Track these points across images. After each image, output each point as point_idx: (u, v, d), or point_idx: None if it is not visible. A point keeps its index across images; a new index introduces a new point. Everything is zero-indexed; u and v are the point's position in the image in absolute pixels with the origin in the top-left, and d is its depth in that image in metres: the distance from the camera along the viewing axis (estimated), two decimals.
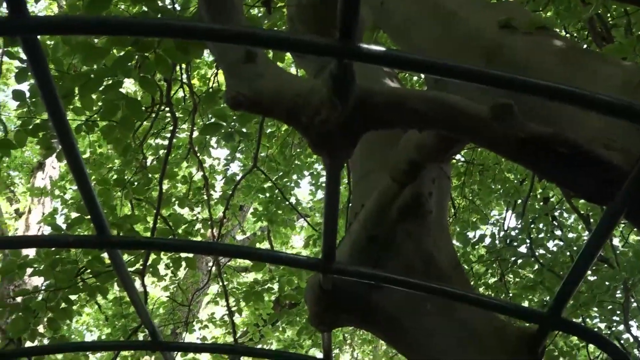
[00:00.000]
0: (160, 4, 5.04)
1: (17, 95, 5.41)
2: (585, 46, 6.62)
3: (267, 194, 9.27)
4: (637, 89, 2.14)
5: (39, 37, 0.78)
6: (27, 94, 5.40)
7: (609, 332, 7.38)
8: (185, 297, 9.69)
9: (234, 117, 6.39)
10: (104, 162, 8.94)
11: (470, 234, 8.75)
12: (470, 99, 1.97)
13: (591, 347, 7.97)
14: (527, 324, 2.91)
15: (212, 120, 6.21)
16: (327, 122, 1.84)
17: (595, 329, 7.06)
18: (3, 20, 0.75)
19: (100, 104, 5.32)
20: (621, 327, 7.32)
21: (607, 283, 6.93)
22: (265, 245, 10.32)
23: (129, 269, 4.97)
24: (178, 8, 5.52)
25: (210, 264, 10.79)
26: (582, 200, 7.69)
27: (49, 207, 12.12)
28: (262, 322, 9.99)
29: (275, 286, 9.25)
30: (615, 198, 1.93)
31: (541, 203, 8.36)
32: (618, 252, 7.66)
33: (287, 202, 9.25)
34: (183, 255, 7.08)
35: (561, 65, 2.45)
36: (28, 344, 6.36)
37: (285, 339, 10.89)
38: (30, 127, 5.57)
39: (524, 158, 2.06)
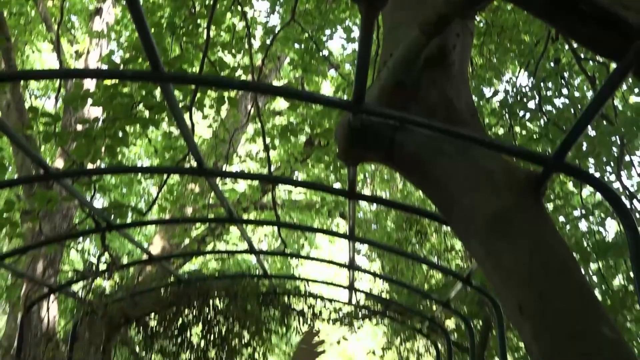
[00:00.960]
0: None
1: None
2: None
3: (303, 45, 9.15)
4: None
5: None
6: None
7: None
8: (227, 133, 9.79)
9: None
10: (155, 10, 8.82)
11: (485, 90, 8.68)
12: None
13: (583, 194, 8.05)
14: (533, 169, 2.94)
15: None
16: None
17: None
18: None
19: None
20: (612, 177, 7.37)
21: (608, 139, 6.92)
22: None
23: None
24: None
25: (249, 106, 10.84)
26: (590, 63, 7.55)
27: (105, 49, 12.10)
28: (294, 159, 10.11)
29: (307, 129, 9.32)
30: (627, 53, 1.90)
31: (552, 64, 8.20)
32: (618, 112, 7.61)
33: (320, 53, 9.15)
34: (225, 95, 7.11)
35: None
36: (89, 166, 6.54)
37: (313, 175, 11.06)
38: None
39: (547, 14, 2.01)
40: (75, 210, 10.13)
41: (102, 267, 7.02)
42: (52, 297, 9.05)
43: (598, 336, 2.66)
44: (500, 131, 8.25)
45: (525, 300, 2.82)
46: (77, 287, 7.73)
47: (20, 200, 9.15)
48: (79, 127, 8.89)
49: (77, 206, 9.87)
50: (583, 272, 3.01)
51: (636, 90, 7.37)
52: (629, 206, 7.02)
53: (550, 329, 2.75)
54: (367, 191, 10.99)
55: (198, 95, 6.68)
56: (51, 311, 9.34)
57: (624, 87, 7.71)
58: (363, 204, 11.83)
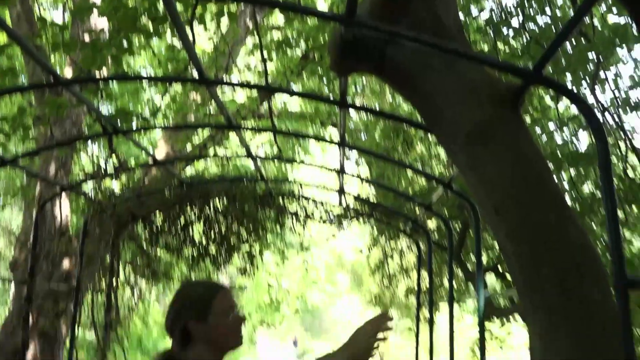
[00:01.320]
0: None
1: None
2: None
3: None
4: None
5: None
6: None
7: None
8: (227, 46, 9.65)
9: None
10: None
11: (472, 8, 8.52)
12: None
13: (560, 108, 8.05)
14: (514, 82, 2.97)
15: None
16: None
17: None
18: None
19: None
20: (588, 92, 7.35)
21: (585, 56, 6.85)
22: None
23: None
24: None
25: (248, 20, 10.66)
26: None
27: None
28: (290, 71, 10.00)
29: (303, 44, 9.19)
30: None
31: None
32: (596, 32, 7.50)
33: None
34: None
35: None
36: (96, 75, 6.49)
37: (307, 87, 10.99)
38: None
39: None
40: (84, 117, 10.09)
41: (110, 169, 7.09)
42: (64, 195, 9.16)
43: (570, 245, 2.79)
44: (485, 48, 8.16)
45: (503, 207, 2.93)
46: (87, 188, 7.81)
47: (32, 106, 9.12)
48: (87, 38, 8.76)
49: (85, 113, 9.84)
50: (556, 181, 3.07)
51: (614, 10, 7.24)
52: (600, 119, 7.05)
53: (530, 241, 2.87)
54: (358, 102, 10.96)
55: (199, 8, 6.54)
56: (63, 209, 9.46)
57: (604, 7, 7.58)
58: (354, 115, 11.84)
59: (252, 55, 11.66)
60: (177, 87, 10.62)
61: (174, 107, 10.53)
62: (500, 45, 8.00)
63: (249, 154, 6.61)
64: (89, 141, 12.40)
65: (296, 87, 10.36)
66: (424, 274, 8.06)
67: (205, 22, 7.56)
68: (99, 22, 9.09)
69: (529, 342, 2.93)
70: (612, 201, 2.63)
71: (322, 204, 8.64)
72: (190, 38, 6.31)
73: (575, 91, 5.86)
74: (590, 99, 7.16)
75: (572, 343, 2.67)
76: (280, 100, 11.81)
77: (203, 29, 8.54)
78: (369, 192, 9.91)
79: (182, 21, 5.54)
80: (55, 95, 8.08)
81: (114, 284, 7.95)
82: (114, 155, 6.67)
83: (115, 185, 8.11)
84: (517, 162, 2.97)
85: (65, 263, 9.44)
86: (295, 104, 11.92)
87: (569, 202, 7.13)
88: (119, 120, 6.19)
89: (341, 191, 7.74)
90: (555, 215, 2.86)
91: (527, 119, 7.71)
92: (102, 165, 7.36)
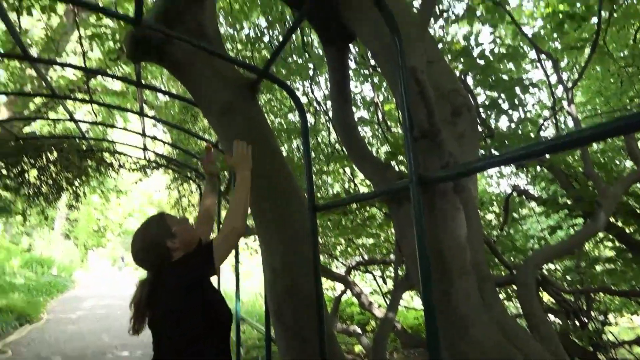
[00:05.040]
0: None
1: None
2: None
3: None
4: None
5: None
6: None
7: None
8: (56, 33, 8.87)
9: None
10: None
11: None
12: None
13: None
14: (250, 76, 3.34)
15: None
16: None
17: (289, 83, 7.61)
18: None
19: None
20: (309, 90, 7.77)
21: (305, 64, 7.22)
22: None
23: None
24: None
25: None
26: None
27: None
28: (109, 59, 9.43)
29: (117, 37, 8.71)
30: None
31: None
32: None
33: None
34: None
35: None
36: None
37: (123, 72, 10.45)
38: None
39: None
40: None
41: None
42: None
43: (282, 183, 3.07)
44: (249, 53, 8.32)
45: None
46: None
47: None
48: None
49: None
50: (277, 143, 3.33)
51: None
52: (317, 107, 7.70)
53: (257, 182, 2.98)
54: (156, 83, 10.67)
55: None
56: None
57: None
58: (162, 96, 11.52)
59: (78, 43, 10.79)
60: (16, 63, 9.61)
61: (12, 79, 9.53)
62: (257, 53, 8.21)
63: (71, 118, 6.35)
64: None
65: (113, 71, 9.84)
66: None
67: (32, 13, 6.93)
68: None
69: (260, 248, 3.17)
70: (308, 155, 2.99)
71: (131, 157, 8.49)
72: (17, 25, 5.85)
73: (292, 87, 6.28)
74: (311, 95, 7.73)
75: (284, 247, 2.94)
76: (101, 79, 11.10)
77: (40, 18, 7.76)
78: (169, 150, 9.85)
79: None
80: None
81: None
82: None
83: None
84: (250, 128, 3.14)
85: None
86: (114, 82, 11.29)
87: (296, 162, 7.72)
88: None
89: (145, 148, 7.67)
90: (274, 165, 3.11)
91: (270, 105, 8.12)
92: None
